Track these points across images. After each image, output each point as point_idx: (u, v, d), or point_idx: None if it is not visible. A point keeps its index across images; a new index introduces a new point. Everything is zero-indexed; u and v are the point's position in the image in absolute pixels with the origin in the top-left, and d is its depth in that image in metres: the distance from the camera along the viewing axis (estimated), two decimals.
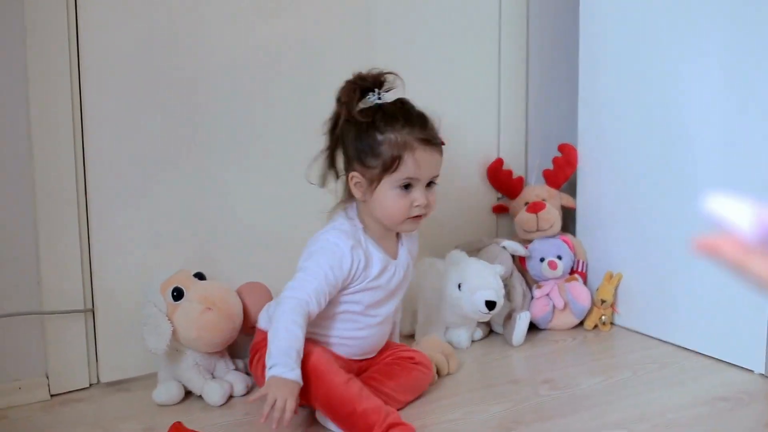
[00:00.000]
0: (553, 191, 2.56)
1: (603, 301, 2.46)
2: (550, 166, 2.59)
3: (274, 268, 2.29)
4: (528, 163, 2.64)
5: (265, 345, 1.84)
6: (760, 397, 2.10)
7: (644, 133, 2.36)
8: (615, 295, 2.48)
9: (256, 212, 2.29)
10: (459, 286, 2.29)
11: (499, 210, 2.61)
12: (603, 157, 2.48)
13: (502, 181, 2.57)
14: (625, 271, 2.47)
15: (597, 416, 1.99)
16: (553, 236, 2.51)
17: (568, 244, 2.50)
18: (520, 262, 2.50)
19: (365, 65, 2.32)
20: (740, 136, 2.13)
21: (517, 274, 2.45)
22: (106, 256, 2.12)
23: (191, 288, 2.06)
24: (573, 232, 2.60)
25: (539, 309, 2.44)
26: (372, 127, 1.88)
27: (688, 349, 2.30)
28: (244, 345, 2.15)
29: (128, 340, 2.13)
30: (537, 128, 2.64)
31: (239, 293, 2.13)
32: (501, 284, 2.32)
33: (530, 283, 2.50)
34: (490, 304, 2.27)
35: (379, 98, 1.91)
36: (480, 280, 2.29)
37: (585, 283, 2.51)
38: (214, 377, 2.10)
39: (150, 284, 2.10)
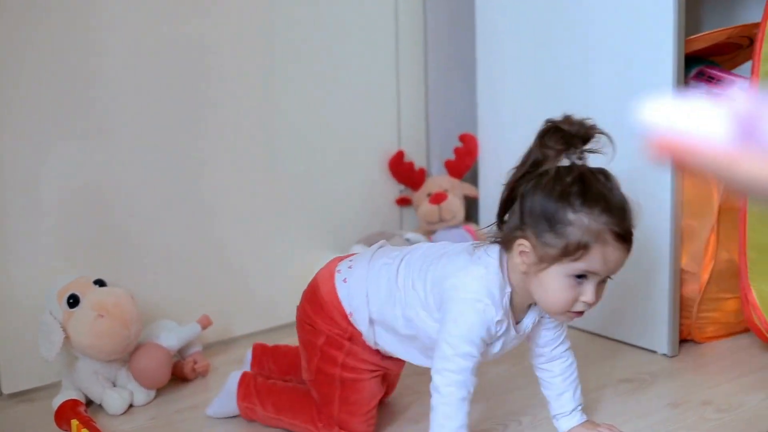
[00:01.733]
0: (455, 181, 2.57)
1: None
2: (452, 157, 2.59)
3: (181, 275, 2.28)
4: (429, 155, 2.64)
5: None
6: (663, 377, 2.13)
7: (542, 120, 2.37)
8: None
9: (165, 219, 2.25)
10: None
11: (402, 202, 2.60)
12: (503, 146, 2.48)
13: (404, 173, 2.57)
14: None
15: (503, 403, 2.00)
16: (457, 226, 2.51)
17: (471, 234, 2.50)
18: None
19: (265, 63, 2.32)
20: (630, 119, 2.16)
21: None
22: (6, 264, 2.07)
23: (87, 295, 2.01)
24: (476, 222, 2.60)
25: None
26: (565, 200, 1.57)
27: (592, 333, 2.32)
28: None
29: (32, 349, 2.07)
30: (437, 119, 2.64)
31: (134, 358, 2.07)
32: None
33: None
34: None
35: (580, 158, 1.61)
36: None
37: None
38: (115, 385, 2.06)
39: (50, 291, 2.04)
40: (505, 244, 1.65)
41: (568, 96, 2.28)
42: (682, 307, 2.21)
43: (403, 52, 2.57)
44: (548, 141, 1.62)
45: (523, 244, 1.61)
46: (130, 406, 2.04)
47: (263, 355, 2.08)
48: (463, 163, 2.58)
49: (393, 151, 2.56)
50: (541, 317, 1.77)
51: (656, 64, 2.10)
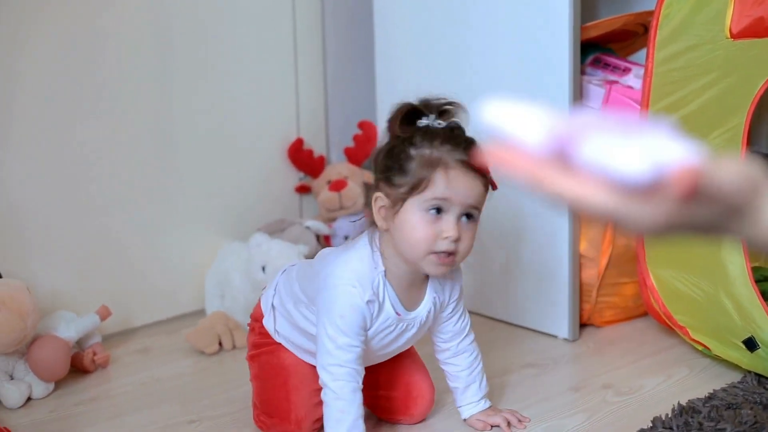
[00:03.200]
0: (355, 169, 2.56)
1: None
2: (351, 144, 2.58)
3: (78, 265, 2.24)
4: (329, 142, 2.63)
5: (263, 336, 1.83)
6: (564, 361, 2.16)
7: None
8: None
9: (61, 209, 2.21)
10: (263, 269, 2.27)
11: (302, 190, 2.59)
12: None
13: (304, 161, 2.55)
14: None
15: None
16: (357, 214, 2.50)
17: None
18: (324, 241, 2.49)
19: (161, 49, 2.28)
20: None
21: None
22: None
23: None
24: None
25: None
26: (407, 142, 1.61)
27: (495, 319, 2.34)
28: None
29: None
30: (336, 106, 2.63)
31: (31, 350, 2.02)
32: None
33: None
34: None
35: (431, 123, 1.63)
36: (284, 261, 2.26)
37: None
38: (12, 378, 2.01)
39: None
40: (370, 215, 1.68)
41: (466, 83, 2.29)
42: (581, 292, 2.24)
43: (301, 40, 2.55)
44: (391, 115, 1.67)
45: (379, 198, 1.64)
46: (29, 399, 2.00)
47: None
48: (363, 150, 2.58)
49: (292, 138, 2.55)
50: (441, 304, 1.76)
51: (552, 51, 2.12)
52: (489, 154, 0.77)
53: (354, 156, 2.58)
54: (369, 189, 1.70)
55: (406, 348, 1.82)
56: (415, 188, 1.59)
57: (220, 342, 2.23)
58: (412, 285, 1.71)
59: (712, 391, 1.94)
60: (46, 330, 2.06)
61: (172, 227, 2.38)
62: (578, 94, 2.15)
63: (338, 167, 2.56)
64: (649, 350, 2.18)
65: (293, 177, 2.58)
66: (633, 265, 2.21)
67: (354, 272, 1.66)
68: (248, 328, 1.90)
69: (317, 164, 2.56)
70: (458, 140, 1.62)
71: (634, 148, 0.73)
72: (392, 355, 1.80)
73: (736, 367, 2.04)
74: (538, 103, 0.77)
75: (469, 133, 1.64)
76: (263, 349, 1.83)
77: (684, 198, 0.75)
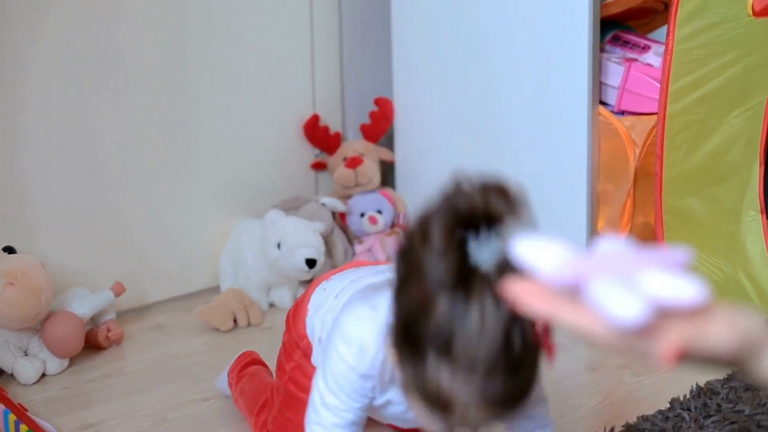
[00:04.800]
0: (371, 145, 2.54)
1: None
2: (368, 121, 2.56)
3: (93, 241, 2.23)
4: (345, 119, 2.61)
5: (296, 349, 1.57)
6: (581, 341, 2.13)
7: (458, 84, 2.36)
8: None
9: (77, 185, 2.19)
10: (278, 246, 2.26)
11: (318, 167, 2.57)
12: (419, 109, 2.47)
13: (319, 138, 2.53)
14: None
15: None
16: (373, 191, 2.49)
17: (388, 198, 2.48)
18: (340, 218, 2.47)
19: (176, 24, 2.26)
20: (549, 85, 2.16)
21: (337, 231, 2.42)
22: None
23: None
24: (393, 186, 2.59)
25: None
26: (423, 344, 1.01)
27: None
28: None
29: None
30: (352, 83, 2.60)
31: (46, 327, 2.02)
32: (321, 241, 2.29)
33: (351, 239, 2.48)
34: (311, 262, 2.24)
35: (483, 250, 0.98)
36: (299, 238, 2.26)
37: None
38: (27, 355, 2.00)
39: None
40: None
41: (484, 61, 2.27)
42: None
43: (318, 16, 2.52)
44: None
45: (394, 355, 1.09)
46: (43, 375, 2.00)
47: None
48: (379, 127, 2.56)
49: (308, 115, 2.52)
50: None
51: (572, 29, 2.09)
52: (511, 289, 0.81)
53: (370, 133, 2.56)
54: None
55: None
56: (427, 404, 1.06)
57: (235, 319, 2.22)
58: None
59: (730, 373, 1.92)
60: (61, 306, 2.05)
61: (186, 204, 2.36)
62: (597, 72, 2.12)
63: (354, 144, 2.54)
64: None
65: (309, 154, 2.56)
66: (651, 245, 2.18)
67: (356, 335, 1.35)
68: (284, 341, 1.64)
69: (333, 141, 2.54)
70: (491, 375, 0.99)
71: (634, 295, 0.76)
72: None
73: None
74: (558, 234, 0.82)
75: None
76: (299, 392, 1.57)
77: (673, 364, 0.81)
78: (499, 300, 0.96)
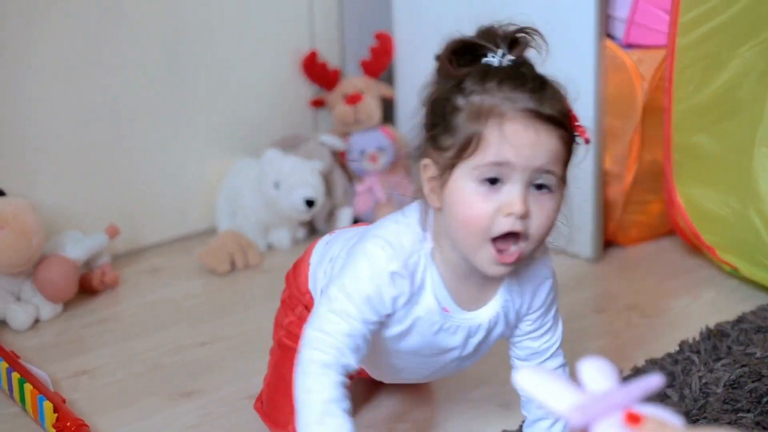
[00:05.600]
0: (372, 82, 2.48)
1: None
2: (367, 56, 2.50)
3: (85, 183, 2.18)
4: (344, 54, 2.54)
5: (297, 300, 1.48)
6: (587, 282, 2.10)
7: (460, 17, 2.28)
8: None
9: (66, 124, 2.13)
10: (276, 185, 2.21)
11: (317, 104, 2.51)
12: (420, 44, 2.41)
13: (318, 74, 2.47)
14: None
15: None
16: (373, 128, 2.44)
17: (389, 136, 2.43)
18: (339, 156, 2.42)
19: None
20: (555, 18, 2.10)
21: (337, 170, 2.37)
22: None
23: None
24: (393, 123, 2.53)
25: (362, 204, 2.38)
26: (455, 89, 1.21)
27: None
28: None
29: None
30: (351, 17, 2.54)
31: (38, 271, 1.97)
32: (320, 181, 2.26)
33: (352, 177, 2.43)
34: (310, 203, 2.21)
35: (500, 62, 1.23)
36: (298, 177, 2.21)
37: (408, 174, 2.46)
38: (19, 300, 1.96)
39: None
40: (419, 187, 1.29)
41: None
42: (605, 210, 2.17)
43: None
44: (442, 52, 1.27)
45: (426, 164, 1.25)
46: (36, 321, 1.96)
47: None
48: (379, 62, 2.50)
49: (306, 50, 2.46)
50: (517, 312, 1.36)
51: None
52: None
53: (370, 68, 2.50)
54: (419, 152, 1.28)
55: (466, 365, 1.42)
56: (463, 150, 1.19)
57: (233, 262, 2.18)
58: (471, 276, 1.29)
59: (741, 314, 1.88)
60: (53, 250, 2.01)
61: (182, 142, 2.31)
62: (604, 4, 2.06)
63: (354, 80, 2.48)
64: (675, 270, 2.12)
65: (307, 90, 2.50)
66: (659, 182, 2.14)
67: (389, 235, 1.29)
68: (283, 298, 1.55)
69: (332, 77, 2.48)
70: (521, 79, 1.20)
71: None
72: (443, 374, 1.44)
73: (765, 288, 1.98)
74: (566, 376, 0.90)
75: (541, 69, 1.26)
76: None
77: None
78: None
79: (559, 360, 1.42)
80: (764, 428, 1.50)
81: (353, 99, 2.43)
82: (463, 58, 1.23)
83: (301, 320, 1.42)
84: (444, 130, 1.21)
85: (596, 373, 0.90)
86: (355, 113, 2.43)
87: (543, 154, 1.19)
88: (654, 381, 0.87)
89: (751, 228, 1.93)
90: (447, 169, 1.21)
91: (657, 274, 2.11)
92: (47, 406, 1.57)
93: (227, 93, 2.36)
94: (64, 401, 1.61)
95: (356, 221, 2.34)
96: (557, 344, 1.42)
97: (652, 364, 1.72)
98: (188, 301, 2.06)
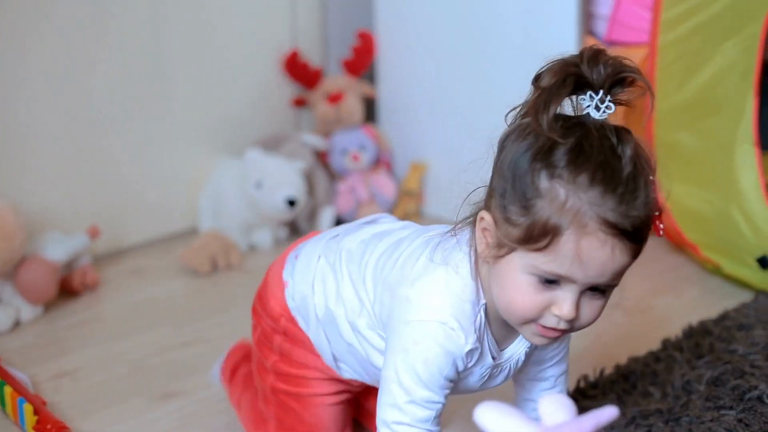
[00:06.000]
0: (353, 81, 2.48)
1: (409, 192, 2.41)
2: (349, 55, 2.49)
3: (66, 183, 2.16)
4: (326, 53, 2.53)
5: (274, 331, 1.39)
6: None
7: (443, 16, 2.30)
8: (421, 185, 2.42)
9: (48, 124, 2.12)
10: (258, 186, 2.21)
11: (299, 103, 2.50)
12: (402, 43, 2.41)
13: (300, 73, 2.46)
14: (431, 160, 2.41)
15: None
16: (355, 128, 2.43)
17: (370, 135, 2.43)
18: (321, 156, 2.42)
19: None
20: (536, 16, 2.10)
21: (319, 169, 2.37)
22: None
23: None
24: (376, 122, 2.53)
25: (344, 203, 2.38)
26: (544, 158, 1.09)
27: None
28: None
29: None
30: (333, 15, 2.53)
31: (18, 273, 1.95)
32: (302, 181, 2.26)
33: (334, 177, 2.42)
34: (292, 202, 2.21)
35: (598, 109, 1.11)
36: (280, 177, 2.22)
37: (390, 174, 2.46)
38: (0, 301, 1.95)
39: None
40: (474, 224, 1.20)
41: None
42: None
43: None
44: (546, 79, 1.13)
45: (485, 220, 1.15)
46: (17, 322, 1.95)
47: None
48: (361, 61, 2.49)
49: (287, 50, 2.45)
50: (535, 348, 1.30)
51: None
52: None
53: (352, 68, 2.49)
54: (487, 199, 1.17)
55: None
56: (532, 241, 1.10)
57: (215, 262, 2.17)
58: (507, 324, 1.23)
59: (723, 311, 1.88)
60: (34, 251, 1.99)
61: (163, 143, 2.30)
62: (585, 1, 2.06)
63: (336, 80, 2.48)
64: (659, 268, 2.12)
65: (289, 90, 2.49)
66: None
67: (451, 305, 1.18)
68: (256, 338, 1.45)
69: (314, 77, 2.47)
70: (614, 178, 1.07)
71: None
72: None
73: (747, 285, 1.98)
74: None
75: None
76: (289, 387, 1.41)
77: None
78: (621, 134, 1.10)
79: (563, 367, 1.37)
80: (747, 425, 1.50)
81: (335, 98, 2.43)
82: (563, 85, 1.11)
83: (284, 356, 1.39)
84: (517, 203, 1.10)
85: (554, 407, 0.92)
86: (336, 112, 2.43)
87: (610, 272, 1.12)
88: (607, 413, 0.89)
89: (733, 225, 1.93)
90: (506, 244, 1.12)
91: (641, 272, 2.08)
92: (27, 408, 1.56)
93: (209, 93, 2.35)
94: (44, 403, 1.60)
95: (338, 221, 2.33)
96: (564, 352, 1.36)
97: (635, 362, 1.72)
98: (170, 302, 2.05)
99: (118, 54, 2.19)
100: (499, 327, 1.23)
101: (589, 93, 1.11)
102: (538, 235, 1.08)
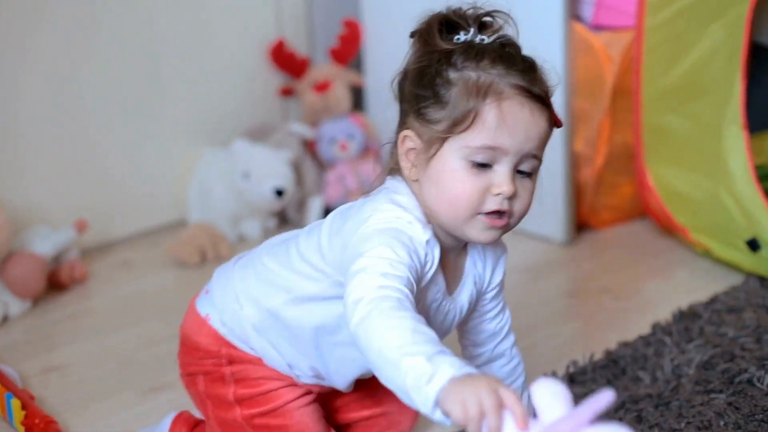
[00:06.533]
0: (340, 70, 2.46)
1: None
2: (335, 44, 2.48)
3: (53, 177, 2.15)
4: (313, 42, 2.52)
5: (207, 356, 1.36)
6: (560, 266, 2.09)
7: (428, 2, 2.28)
8: None
9: (34, 118, 2.11)
10: (246, 176, 2.20)
11: (286, 93, 2.49)
12: (389, 30, 2.39)
13: (286, 63, 2.45)
14: None
15: None
16: (343, 116, 2.42)
17: (358, 124, 2.42)
18: (309, 145, 2.41)
19: None
20: (526, 6, 2.09)
21: (307, 159, 2.36)
22: None
23: None
24: (363, 111, 2.52)
25: (333, 192, 2.36)
26: (445, 61, 1.21)
27: None
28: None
29: None
30: (320, 4, 2.52)
31: (5, 267, 1.94)
32: (290, 170, 2.25)
33: (322, 166, 2.41)
34: (280, 192, 2.20)
35: (473, 39, 1.24)
36: (267, 168, 2.21)
37: (379, 162, 2.45)
38: None
39: None
40: (395, 160, 1.27)
41: None
42: (577, 193, 2.17)
43: None
44: (421, 28, 1.27)
45: (408, 137, 1.24)
46: (5, 318, 1.94)
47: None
48: (348, 49, 2.48)
49: (273, 39, 2.44)
50: (481, 286, 1.35)
51: None
52: None
53: (339, 56, 2.48)
54: (399, 125, 1.27)
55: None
56: (458, 124, 1.19)
57: (204, 253, 2.16)
58: (450, 253, 1.29)
59: (713, 295, 1.88)
60: (21, 246, 1.99)
61: (150, 135, 2.29)
62: None
63: (323, 69, 2.46)
64: (648, 252, 2.11)
65: (276, 79, 2.47)
66: (631, 164, 2.13)
67: (407, 210, 1.23)
68: (193, 382, 1.41)
69: (300, 66, 2.46)
70: (512, 59, 1.22)
71: None
72: None
73: (737, 268, 1.97)
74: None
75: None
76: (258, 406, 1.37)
77: None
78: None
79: (511, 339, 1.42)
80: (737, 408, 1.49)
81: (322, 87, 2.42)
82: (443, 34, 1.24)
83: (241, 380, 1.36)
84: (434, 102, 1.21)
85: (549, 397, 0.92)
86: (324, 101, 2.42)
87: (534, 136, 1.21)
88: (603, 399, 0.89)
89: (722, 208, 1.92)
90: (435, 142, 1.21)
91: (629, 256, 2.11)
92: (15, 403, 1.55)
93: (195, 83, 2.33)
94: (33, 398, 1.59)
95: (327, 210, 2.32)
96: (508, 324, 1.42)
97: (625, 347, 1.71)
98: (159, 295, 2.05)
99: (104, 47, 2.18)
100: (446, 261, 1.27)
101: (462, 32, 1.24)
102: (462, 117, 1.19)
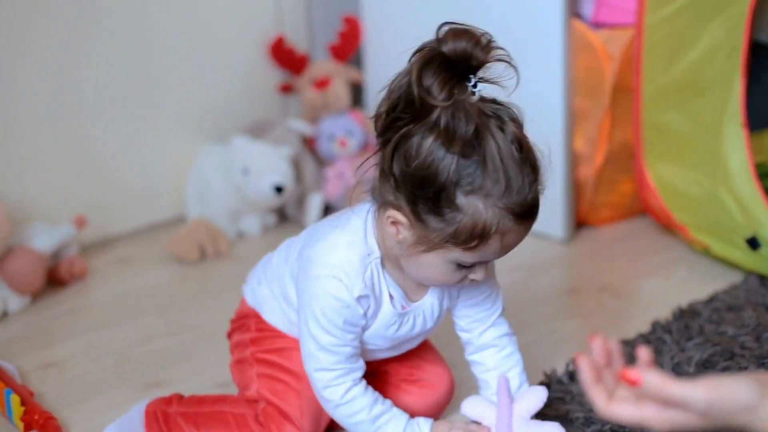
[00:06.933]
0: (340, 66, 2.46)
1: None
2: (335, 40, 2.48)
3: (52, 173, 2.15)
4: (312, 39, 2.52)
5: (249, 324, 1.49)
6: (559, 263, 2.09)
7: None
8: None
9: (32, 114, 2.11)
10: (245, 172, 2.20)
11: (286, 89, 2.49)
12: (389, 27, 2.39)
13: (286, 59, 2.45)
14: None
15: None
16: (342, 113, 2.42)
17: (358, 120, 2.42)
18: (309, 142, 2.41)
19: None
20: (526, 4, 2.09)
21: (306, 155, 2.36)
22: None
23: None
24: (363, 107, 2.52)
25: (332, 189, 2.36)
26: (454, 177, 1.19)
27: None
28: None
29: None
30: (319, 1, 2.52)
31: (4, 263, 1.94)
32: (289, 167, 2.25)
33: (322, 163, 2.41)
34: (279, 189, 2.20)
35: (473, 91, 1.22)
36: (266, 164, 2.21)
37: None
38: None
39: None
40: (377, 202, 1.30)
41: None
42: (577, 190, 2.16)
43: None
44: (426, 76, 1.21)
45: (398, 221, 1.25)
46: (4, 313, 1.94)
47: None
48: (348, 46, 2.48)
49: (273, 34, 2.44)
50: (450, 292, 1.42)
51: None
52: None
53: (338, 53, 2.48)
54: (383, 183, 1.27)
55: (421, 340, 1.49)
56: (456, 244, 1.22)
57: (203, 250, 2.16)
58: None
59: (713, 293, 1.87)
60: (20, 242, 1.98)
61: (149, 130, 2.29)
62: None
63: (322, 65, 2.46)
64: (648, 250, 2.11)
65: (275, 76, 2.47)
66: (630, 162, 2.13)
67: (342, 260, 1.31)
68: (231, 332, 1.56)
69: (300, 62, 2.46)
70: (521, 186, 1.21)
71: None
72: (406, 350, 1.48)
73: (737, 266, 1.97)
74: None
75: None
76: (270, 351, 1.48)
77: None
78: (501, 125, 1.21)
79: (502, 329, 1.46)
80: None
81: (322, 84, 2.42)
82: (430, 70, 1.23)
83: (259, 340, 1.49)
84: (435, 215, 1.22)
85: (481, 408, 1.09)
86: (323, 98, 2.41)
87: (518, 244, 1.28)
88: (503, 381, 1.04)
89: (722, 206, 1.92)
90: (427, 245, 1.25)
91: (629, 254, 2.11)
92: (14, 399, 1.55)
93: (194, 79, 2.33)
94: (32, 394, 1.59)
95: (327, 207, 2.32)
96: (497, 312, 1.46)
97: (624, 345, 1.71)
98: (158, 291, 2.05)
99: (102, 42, 2.18)
100: (405, 279, 1.35)
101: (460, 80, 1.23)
102: (466, 240, 1.22)
